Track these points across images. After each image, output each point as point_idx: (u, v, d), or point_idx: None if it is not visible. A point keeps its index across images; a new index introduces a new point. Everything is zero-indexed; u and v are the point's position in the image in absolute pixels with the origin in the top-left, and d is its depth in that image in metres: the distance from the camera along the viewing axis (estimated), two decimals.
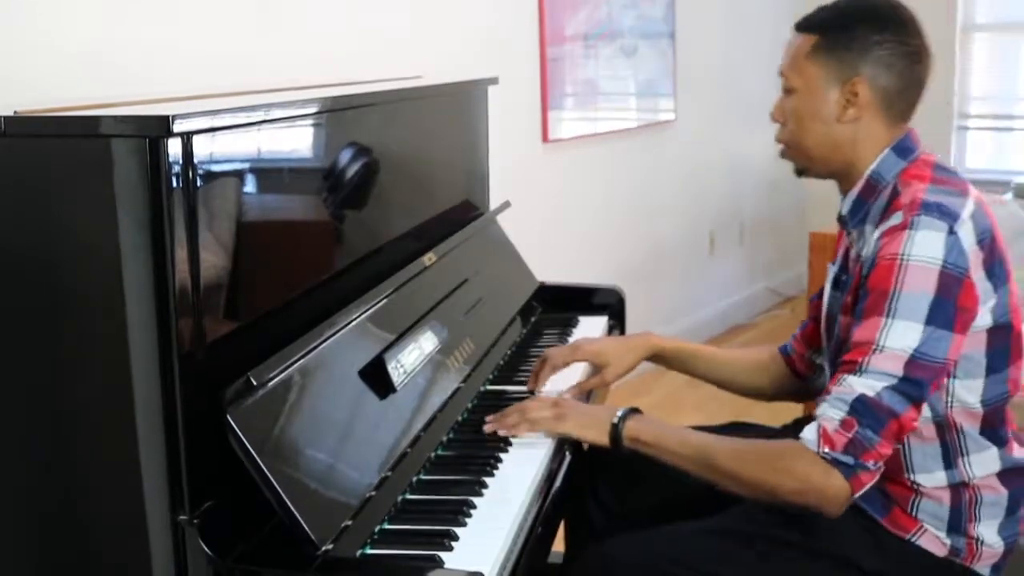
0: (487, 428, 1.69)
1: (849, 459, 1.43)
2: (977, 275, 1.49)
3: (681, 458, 1.58)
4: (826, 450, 1.43)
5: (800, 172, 1.71)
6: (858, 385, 1.44)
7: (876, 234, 1.53)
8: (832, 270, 1.72)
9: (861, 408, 1.43)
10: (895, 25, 1.59)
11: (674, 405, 3.74)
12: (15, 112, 1.28)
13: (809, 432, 1.45)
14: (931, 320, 1.44)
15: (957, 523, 1.56)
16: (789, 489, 1.47)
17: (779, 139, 1.69)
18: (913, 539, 1.57)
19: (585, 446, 1.74)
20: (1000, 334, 1.54)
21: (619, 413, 1.63)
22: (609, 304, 2.44)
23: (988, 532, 1.57)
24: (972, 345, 1.52)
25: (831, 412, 1.45)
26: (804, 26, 1.64)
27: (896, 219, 1.50)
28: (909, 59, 1.59)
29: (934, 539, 1.56)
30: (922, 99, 1.64)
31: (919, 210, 1.48)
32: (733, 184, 5.01)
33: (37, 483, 1.30)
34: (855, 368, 1.45)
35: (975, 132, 5.40)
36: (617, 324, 2.41)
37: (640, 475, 1.79)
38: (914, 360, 1.43)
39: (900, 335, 1.44)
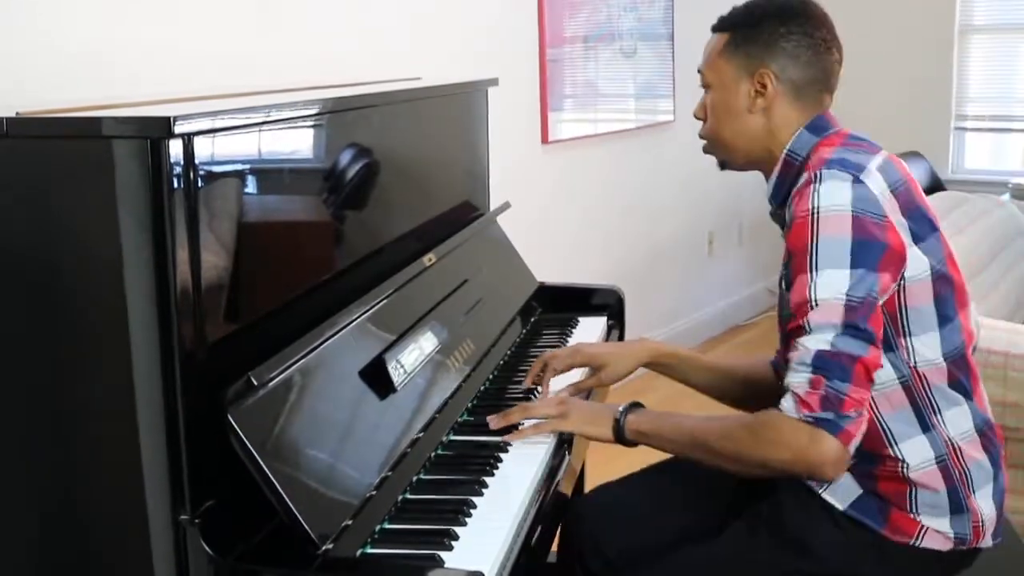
0: (492, 423, 1.69)
1: (830, 415, 1.42)
2: (896, 219, 1.51)
3: (679, 445, 1.60)
4: (805, 413, 1.43)
5: (722, 165, 1.78)
6: (811, 343, 1.45)
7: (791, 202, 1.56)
8: (781, 271, 1.73)
9: (822, 363, 1.43)
10: (801, 18, 1.65)
11: (675, 404, 3.72)
12: (17, 113, 1.29)
13: (786, 402, 1.45)
14: (856, 263, 1.45)
15: (958, 505, 1.56)
16: (781, 459, 1.46)
17: (700, 135, 1.75)
18: (917, 543, 1.56)
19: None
20: (943, 283, 1.55)
21: (621, 408, 1.64)
22: (608, 304, 2.44)
23: (985, 503, 1.58)
24: (920, 298, 1.53)
25: (798, 377, 1.45)
26: (718, 26, 1.72)
27: (803, 180, 1.54)
28: (815, 50, 1.65)
29: (937, 535, 1.56)
30: (832, 89, 1.69)
31: (822, 167, 1.52)
32: (732, 185, 4.97)
33: (37, 483, 1.30)
34: (802, 330, 1.46)
35: (973, 133, 5.40)
36: (616, 324, 2.41)
37: (617, 519, 1.82)
38: (850, 304, 1.44)
39: (828, 284, 1.45)
